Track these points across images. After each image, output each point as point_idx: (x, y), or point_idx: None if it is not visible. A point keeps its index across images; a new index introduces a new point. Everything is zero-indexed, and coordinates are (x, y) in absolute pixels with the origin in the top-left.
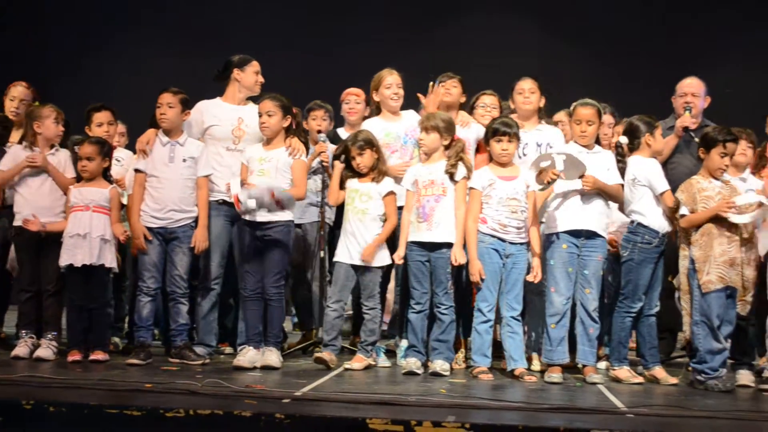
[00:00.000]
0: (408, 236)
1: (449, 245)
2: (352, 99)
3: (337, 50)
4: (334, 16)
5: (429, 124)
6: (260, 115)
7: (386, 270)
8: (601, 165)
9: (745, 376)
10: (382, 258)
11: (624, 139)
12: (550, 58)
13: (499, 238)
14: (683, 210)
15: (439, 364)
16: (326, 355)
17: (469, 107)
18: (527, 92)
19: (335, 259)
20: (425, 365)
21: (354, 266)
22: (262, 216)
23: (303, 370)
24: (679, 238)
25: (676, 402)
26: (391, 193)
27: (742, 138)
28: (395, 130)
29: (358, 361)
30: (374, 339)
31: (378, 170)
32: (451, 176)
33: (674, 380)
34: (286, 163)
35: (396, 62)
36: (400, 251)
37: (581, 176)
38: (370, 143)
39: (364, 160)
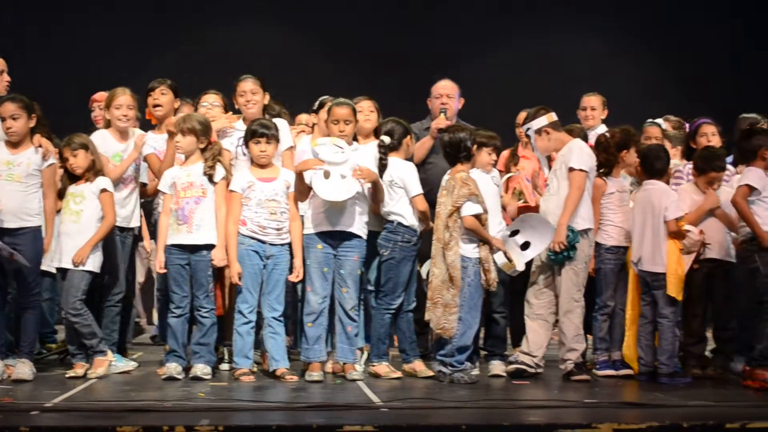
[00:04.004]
0: (166, 240)
1: (210, 247)
2: (95, 105)
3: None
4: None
5: (185, 126)
6: (3, 120)
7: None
8: (360, 163)
9: (497, 367)
10: (94, 262)
11: (388, 139)
12: (307, 62)
13: (259, 240)
14: (476, 208)
15: (199, 368)
16: (78, 366)
17: (193, 108)
18: (248, 93)
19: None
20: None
21: (61, 269)
22: (9, 222)
23: (59, 380)
24: (449, 233)
25: (429, 394)
26: (105, 190)
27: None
28: (123, 152)
29: (99, 366)
30: (97, 340)
31: (94, 171)
32: (210, 178)
33: (431, 373)
34: (37, 167)
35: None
36: (160, 257)
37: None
38: (85, 146)
39: (77, 161)
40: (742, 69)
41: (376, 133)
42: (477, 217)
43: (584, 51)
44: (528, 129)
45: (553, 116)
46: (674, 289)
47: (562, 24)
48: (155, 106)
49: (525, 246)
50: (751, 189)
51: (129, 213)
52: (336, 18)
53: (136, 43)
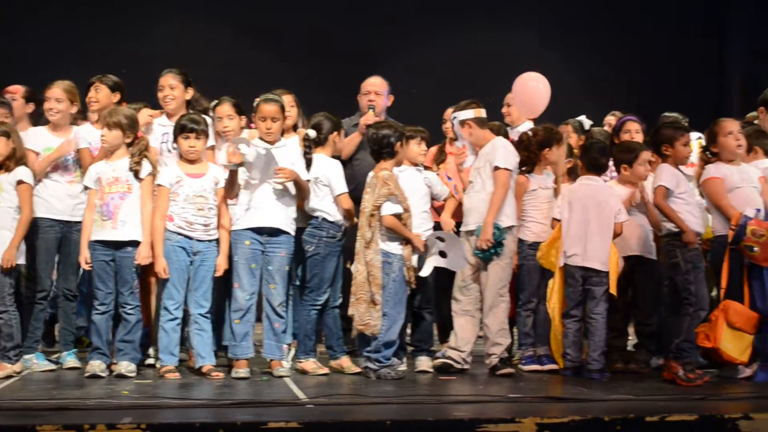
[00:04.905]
0: (91, 235)
1: (135, 243)
2: (8, 97)
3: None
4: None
5: (111, 120)
6: None
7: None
8: (286, 159)
9: (424, 363)
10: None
11: (312, 133)
12: (237, 58)
13: (186, 236)
14: (396, 208)
15: (124, 366)
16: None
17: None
18: (166, 88)
19: None
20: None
21: None
22: None
23: None
24: (371, 231)
25: (355, 390)
26: (22, 182)
27: (422, 138)
28: (57, 145)
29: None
30: (12, 344)
31: (15, 159)
32: (136, 174)
33: (358, 369)
34: None
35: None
36: (84, 252)
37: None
38: (6, 133)
39: None
40: (675, 68)
41: (296, 127)
42: (398, 216)
43: (515, 49)
44: (455, 117)
45: (481, 112)
46: (614, 287)
47: (492, 21)
48: (90, 102)
49: (443, 254)
50: (668, 190)
51: (74, 206)
52: (275, 17)
53: (78, 38)
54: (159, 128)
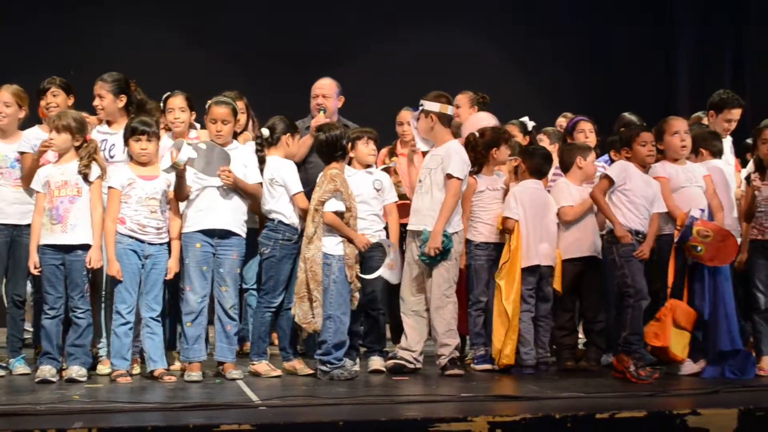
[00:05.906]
0: (40, 239)
1: (85, 247)
2: None
3: None
4: None
5: (60, 123)
6: None
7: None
8: (238, 161)
9: (376, 363)
10: None
11: (266, 132)
12: (184, 60)
13: (138, 239)
14: (338, 205)
15: (75, 370)
16: None
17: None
18: (97, 97)
19: None
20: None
21: None
22: None
23: None
24: (314, 227)
25: (308, 392)
26: None
27: (369, 138)
28: (4, 151)
29: None
30: None
31: None
32: (85, 177)
33: (310, 371)
34: None
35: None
36: (33, 257)
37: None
38: None
39: None
40: (624, 69)
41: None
42: (339, 214)
43: (466, 50)
44: (421, 105)
45: (447, 109)
46: (559, 283)
47: (442, 24)
48: (48, 107)
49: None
50: (611, 181)
51: (23, 209)
52: (229, 18)
53: (27, 40)
54: (98, 135)
